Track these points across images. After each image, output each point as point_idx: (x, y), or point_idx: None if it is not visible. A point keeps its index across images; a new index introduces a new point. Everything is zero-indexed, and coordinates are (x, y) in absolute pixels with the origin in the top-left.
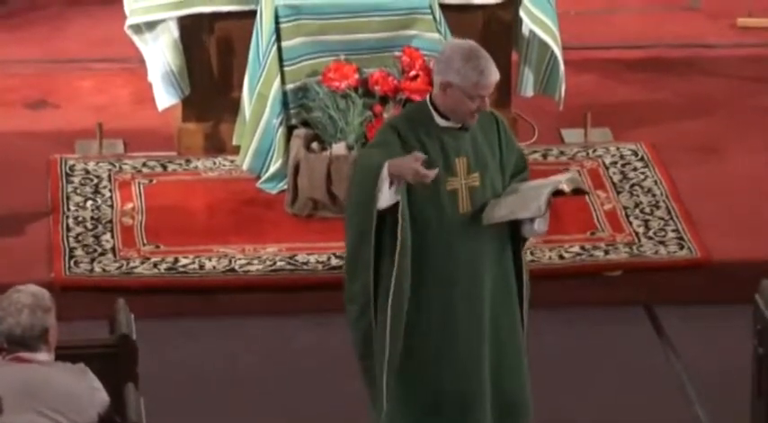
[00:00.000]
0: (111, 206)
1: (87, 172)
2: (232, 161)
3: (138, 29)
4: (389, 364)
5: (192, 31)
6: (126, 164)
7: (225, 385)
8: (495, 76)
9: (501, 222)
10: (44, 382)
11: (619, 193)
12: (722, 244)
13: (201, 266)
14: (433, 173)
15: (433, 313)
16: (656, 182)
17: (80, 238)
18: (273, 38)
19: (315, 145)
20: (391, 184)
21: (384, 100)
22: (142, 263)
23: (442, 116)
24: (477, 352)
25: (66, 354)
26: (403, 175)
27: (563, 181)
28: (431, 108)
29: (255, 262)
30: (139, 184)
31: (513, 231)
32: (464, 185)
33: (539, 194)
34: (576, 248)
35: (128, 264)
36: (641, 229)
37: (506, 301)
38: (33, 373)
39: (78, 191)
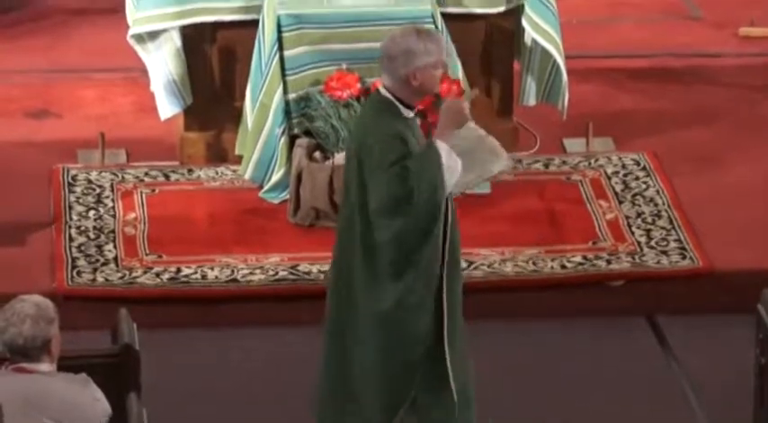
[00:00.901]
0: (114, 216)
1: (90, 182)
2: (234, 171)
3: (140, 38)
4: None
5: (195, 40)
6: (128, 173)
7: (227, 395)
8: (442, 36)
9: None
10: (46, 393)
11: (621, 202)
12: (725, 253)
13: (204, 276)
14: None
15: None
16: (658, 191)
17: (82, 247)
18: (276, 47)
19: (317, 154)
20: None
21: None
22: (144, 273)
23: (407, 107)
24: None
25: (68, 364)
26: (458, 120)
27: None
28: (397, 103)
29: (258, 272)
30: (142, 193)
31: None
32: None
33: (492, 149)
34: (579, 258)
35: (130, 273)
36: (643, 239)
37: None
38: (35, 383)
39: (81, 200)
